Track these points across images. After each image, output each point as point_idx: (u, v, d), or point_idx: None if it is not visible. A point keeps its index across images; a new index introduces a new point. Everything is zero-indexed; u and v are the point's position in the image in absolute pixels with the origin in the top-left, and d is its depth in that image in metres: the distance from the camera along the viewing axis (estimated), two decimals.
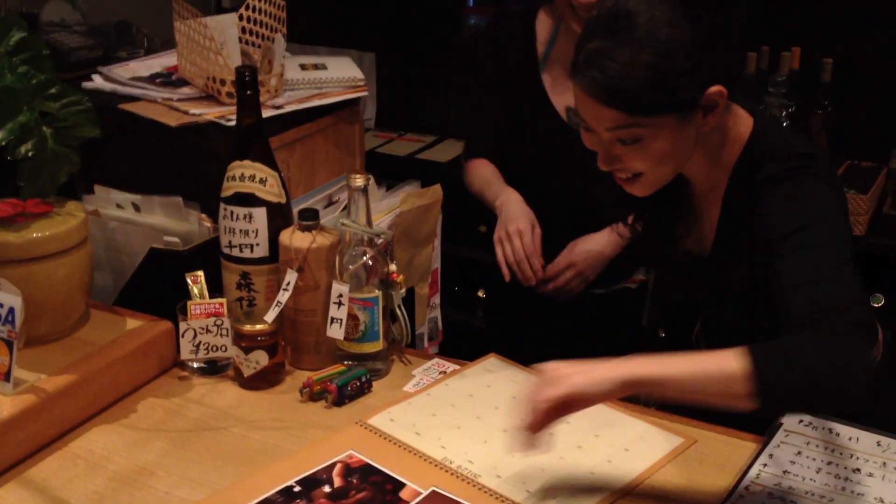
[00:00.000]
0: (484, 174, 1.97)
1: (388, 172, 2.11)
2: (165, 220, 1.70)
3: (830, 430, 1.34)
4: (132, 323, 1.51)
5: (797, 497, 1.20)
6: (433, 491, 1.22)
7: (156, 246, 1.63)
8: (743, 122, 1.35)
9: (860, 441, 1.32)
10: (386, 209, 1.82)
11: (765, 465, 1.27)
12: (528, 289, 1.86)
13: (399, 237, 1.83)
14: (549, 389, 1.13)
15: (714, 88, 1.24)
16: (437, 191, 1.85)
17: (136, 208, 1.73)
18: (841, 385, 1.11)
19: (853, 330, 1.12)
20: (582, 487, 1.23)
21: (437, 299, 2.01)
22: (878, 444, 1.31)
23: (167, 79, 1.87)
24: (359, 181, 1.43)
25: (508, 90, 1.92)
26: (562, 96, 1.86)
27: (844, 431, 1.33)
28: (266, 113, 1.66)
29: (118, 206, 1.75)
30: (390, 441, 1.33)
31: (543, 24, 1.90)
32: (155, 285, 1.63)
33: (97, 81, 1.87)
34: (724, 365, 1.10)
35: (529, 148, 1.94)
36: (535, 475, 1.26)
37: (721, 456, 1.31)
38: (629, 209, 1.51)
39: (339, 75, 1.90)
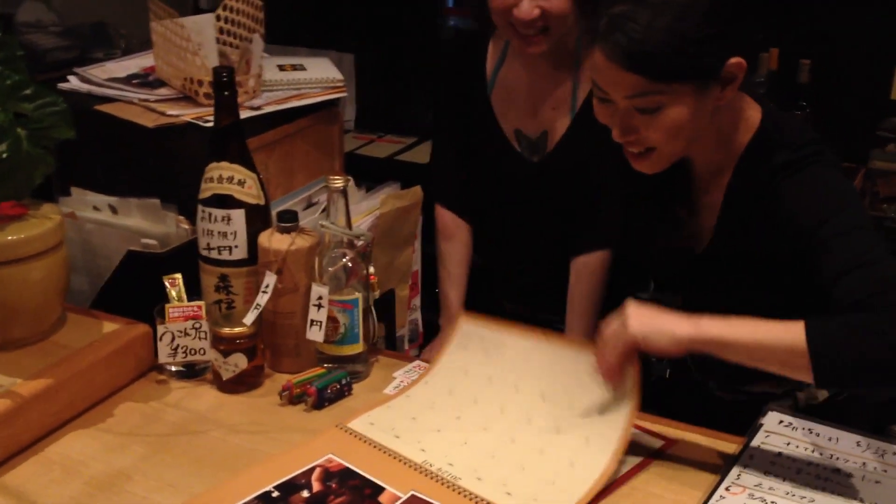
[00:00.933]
0: (443, 260, 1.89)
1: (368, 174, 2.10)
2: (143, 223, 1.68)
3: (811, 431, 1.34)
4: (109, 326, 1.50)
5: (777, 497, 1.20)
6: (412, 495, 1.21)
7: (133, 248, 1.61)
8: (754, 108, 1.36)
9: (840, 441, 1.32)
10: (366, 210, 1.82)
11: (745, 465, 1.27)
12: (505, 289, 1.83)
13: (379, 239, 1.82)
14: (617, 335, 1.22)
15: (734, 60, 1.25)
16: (416, 192, 1.85)
17: (113, 210, 1.71)
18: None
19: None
20: (563, 487, 1.23)
21: (417, 301, 2.01)
22: (858, 444, 1.31)
23: (144, 80, 1.86)
24: (338, 183, 1.42)
25: (461, 114, 1.84)
26: (509, 121, 1.76)
27: (824, 432, 1.33)
28: (244, 114, 1.65)
29: (95, 208, 1.73)
30: (370, 444, 1.32)
31: (496, 45, 1.80)
32: (132, 288, 1.61)
33: (73, 82, 1.85)
34: (787, 336, 1.16)
35: (484, 174, 1.84)
36: (516, 476, 1.25)
37: (702, 457, 1.30)
38: (631, 194, 1.51)
39: (318, 76, 1.89)
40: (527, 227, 1.80)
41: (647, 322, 1.22)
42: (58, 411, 1.34)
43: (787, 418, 1.36)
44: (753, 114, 1.35)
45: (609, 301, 1.74)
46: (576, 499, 1.21)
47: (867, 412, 1.53)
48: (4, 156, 1.29)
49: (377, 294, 1.52)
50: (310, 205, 1.81)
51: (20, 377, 1.33)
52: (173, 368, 1.49)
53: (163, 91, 1.79)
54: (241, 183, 1.48)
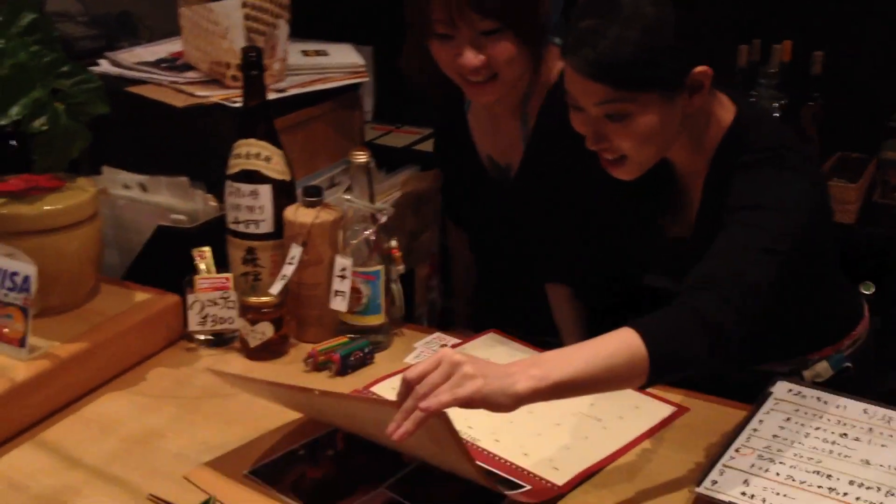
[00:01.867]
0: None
1: (387, 162, 2.15)
2: (172, 200, 1.74)
3: (818, 399, 1.38)
4: (141, 296, 1.55)
5: (785, 459, 1.25)
6: None
7: (163, 223, 1.67)
8: (726, 109, 1.40)
9: (847, 409, 1.36)
10: (387, 189, 1.87)
11: (755, 430, 1.31)
12: (518, 267, 1.85)
13: (400, 218, 1.87)
14: (455, 387, 1.06)
15: (700, 68, 1.30)
16: (437, 174, 1.90)
17: (143, 188, 1.77)
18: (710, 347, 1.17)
19: (723, 305, 1.18)
20: (578, 453, 1.28)
21: (435, 281, 2.05)
22: (865, 411, 1.36)
23: (172, 63, 1.91)
24: (361, 158, 1.48)
25: (443, 134, 1.84)
26: (483, 145, 1.72)
27: (832, 400, 1.38)
28: (269, 96, 1.69)
29: (125, 186, 1.79)
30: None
31: None
32: (161, 262, 1.67)
33: (104, 66, 1.91)
34: (624, 348, 1.14)
35: (463, 194, 1.81)
36: (532, 441, 1.30)
37: (712, 422, 1.35)
38: (614, 199, 1.55)
39: (341, 61, 1.95)
40: (506, 248, 1.79)
41: (490, 380, 1.07)
42: (93, 373, 1.40)
43: (797, 387, 1.40)
44: (726, 115, 1.39)
45: (600, 317, 1.72)
46: (589, 462, 1.25)
47: (872, 389, 1.56)
48: (44, 128, 1.36)
49: (401, 268, 1.57)
50: (332, 184, 1.87)
51: (58, 341, 1.39)
52: (202, 337, 1.54)
53: (191, 74, 1.84)
54: (267, 159, 1.53)
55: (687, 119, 1.35)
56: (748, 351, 1.24)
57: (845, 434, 1.30)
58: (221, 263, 1.58)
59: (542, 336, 1.64)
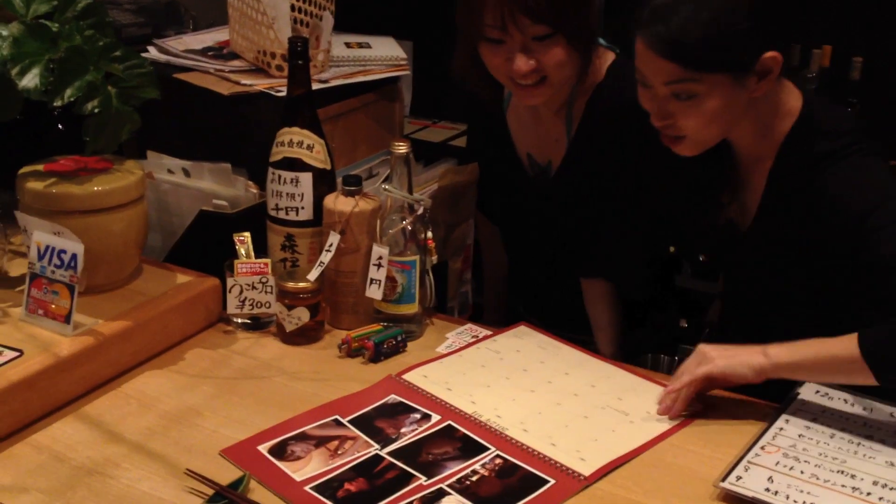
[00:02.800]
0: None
1: (424, 157, 2.17)
2: (214, 185, 1.78)
3: (846, 401, 1.39)
4: (182, 278, 1.59)
5: (810, 458, 1.26)
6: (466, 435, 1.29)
7: (205, 208, 1.71)
8: (794, 97, 1.41)
9: (874, 412, 1.37)
10: (424, 182, 1.90)
11: (781, 428, 1.33)
12: (552, 263, 1.87)
13: (436, 211, 1.90)
14: (695, 367, 1.34)
15: (770, 53, 1.31)
16: (475, 169, 1.92)
17: (186, 174, 1.81)
18: None
19: None
20: (605, 445, 1.30)
21: (468, 274, 2.08)
22: (892, 415, 1.37)
23: (219, 52, 1.95)
24: (402, 149, 1.50)
25: (480, 130, 1.85)
26: (522, 143, 1.74)
27: (859, 402, 1.39)
28: (313, 87, 1.73)
29: (169, 171, 1.83)
30: (423, 394, 1.40)
31: None
32: (202, 246, 1.71)
33: (152, 53, 1.95)
34: (844, 351, 1.26)
35: (499, 190, 1.84)
36: (560, 431, 1.32)
37: (739, 420, 1.37)
38: (668, 184, 1.56)
39: (383, 54, 1.97)
40: (539, 245, 1.81)
41: (726, 356, 1.34)
42: (135, 351, 1.44)
43: (824, 388, 1.41)
44: (794, 102, 1.40)
45: (635, 318, 1.78)
46: (615, 454, 1.28)
47: None
48: (96, 111, 1.40)
49: (435, 259, 1.59)
50: (371, 175, 1.90)
51: (101, 318, 1.43)
52: (239, 321, 1.58)
53: (236, 63, 1.88)
54: (309, 148, 1.57)
55: (753, 104, 1.36)
56: None
57: (871, 436, 1.32)
58: (261, 249, 1.61)
59: (572, 332, 1.66)
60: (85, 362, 1.36)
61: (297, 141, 1.56)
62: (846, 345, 1.27)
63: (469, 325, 1.63)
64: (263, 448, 1.26)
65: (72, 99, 1.38)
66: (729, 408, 1.40)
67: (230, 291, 1.53)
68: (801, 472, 1.23)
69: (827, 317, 1.47)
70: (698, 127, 1.35)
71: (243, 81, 1.79)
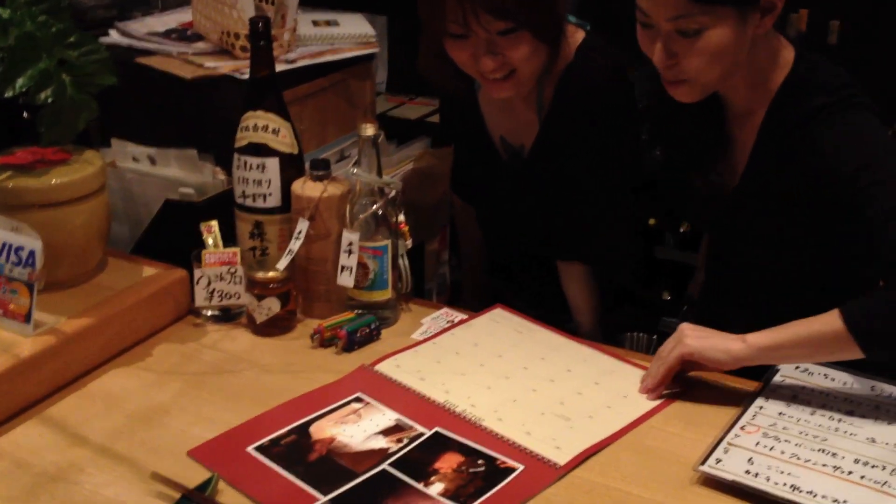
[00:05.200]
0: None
1: (400, 135, 2.13)
2: (180, 173, 1.74)
3: (826, 376, 1.37)
4: (148, 270, 1.55)
5: (791, 437, 1.24)
6: (436, 432, 1.26)
7: (171, 197, 1.67)
8: (788, 49, 1.38)
9: (854, 386, 1.35)
10: (397, 162, 1.86)
11: (760, 407, 1.31)
12: (529, 245, 1.84)
13: (411, 192, 1.86)
14: (671, 349, 1.33)
15: None
16: (450, 151, 1.88)
17: (152, 161, 1.77)
18: None
19: None
20: (580, 431, 1.27)
21: (445, 255, 2.04)
22: (872, 388, 1.35)
23: (182, 34, 1.90)
24: (369, 130, 1.46)
25: (453, 113, 1.81)
26: (495, 126, 1.70)
27: (839, 377, 1.37)
28: (279, 67, 1.68)
29: (134, 158, 1.79)
30: (396, 385, 1.37)
31: None
32: (170, 235, 1.67)
33: (114, 37, 1.90)
34: (828, 328, 1.23)
35: (473, 173, 1.79)
36: (535, 419, 1.29)
37: (719, 400, 1.34)
38: (663, 134, 1.52)
39: (351, 31, 1.92)
40: (515, 226, 1.78)
41: (702, 338, 1.31)
42: (100, 349, 1.41)
43: (803, 364, 1.39)
44: (787, 53, 1.38)
45: (615, 296, 1.75)
46: (593, 441, 1.25)
47: (886, 365, 1.55)
48: (50, 100, 1.35)
49: (409, 243, 1.56)
50: (342, 157, 1.86)
51: (64, 316, 1.39)
52: (209, 313, 1.54)
53: (200, 45, 1.83)
54: (275, 132, 1.52)
55: (753, 46, 1.32)
56: None
57: (852, 411, 1.30)
58: (230, 238, 1.58)
59: (551, 312, 1.64)
60: (47, 362, 1.32)
61: (262, 125, 1.52)
62: (829, 321, 1.24)
63: (445, 310, 1.60)
64: (251, 448, 1.23)
65: (23, 89, 1.33)
66: (709, 387, 1.37)
67: (198, 283, 1.50)
68: (782, 453, 1.21)
69: (810, 289, 1.44)
70: (702, 67, 1.31)
71: (207, 64, 1.74)
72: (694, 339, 1.32)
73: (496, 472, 1.18)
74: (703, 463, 1.19)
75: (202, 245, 1.52)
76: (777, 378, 1.37)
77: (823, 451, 1.22)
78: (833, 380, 1.37)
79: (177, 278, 1.53)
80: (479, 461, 1.20)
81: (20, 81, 1.33)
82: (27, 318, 1.34)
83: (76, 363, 1.37)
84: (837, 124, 1.31)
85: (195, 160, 1.72)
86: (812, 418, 1.28)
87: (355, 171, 1.48)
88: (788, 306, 1.32)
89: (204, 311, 1.54)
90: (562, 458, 1.21)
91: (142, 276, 1.53)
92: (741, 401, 1.33)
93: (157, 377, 1.40)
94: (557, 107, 1.60)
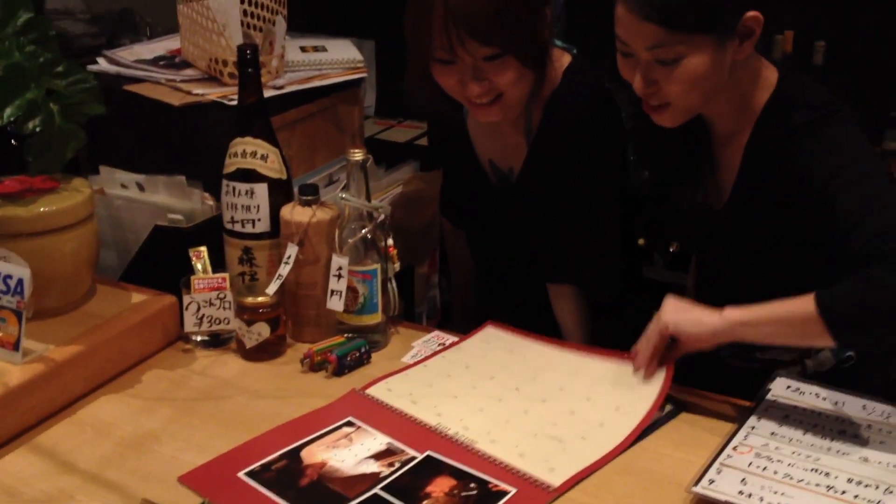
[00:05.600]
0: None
1: (389, 158, 2.14)
2: (169, 199, 1.74)
3: (817, 395, 1.37)
4: (137, 297, 1.55)
5: (783, 457, 1.24)
6: (428, 455, 1.25)
7: (160, 223, 1.66)
8: (771, 70, 1.40)
9: (846, 405, 1.35)
10: (386, 186, 1.86)
11: (753, 427, 1.31)
12: (519, 267, 1.84)
13: (400, 216, 1.87)
14: (651, 325, 1.35)
15: (751, 13, 1.30)
16: (439, 176, 1.89)
17: (141, 188, 1.77)
18: None
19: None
20: (573, 453, 1.27)
21: (436, 279, 2.05)
22: (864, 407, 1.35)
23: (170, 61, 1.91)
24: (357, 156, 1.47)
25: (441, 137, 1.81)
26: (484, 150, 1.69)
27: (831, 396, 1.37)
28: (267, 93, 1.69)
29: (123, 185, 1.79)
30: (388, 409, 1.36)
31: None
32: (159, 262, 1.66)
33: (102, 65, 1.91)
34: (800, 309, 1.23)
35: (462, 196, 1.79)
36: (528, 441, 1.29)
37: (711, 420, 1.34)
38: (649, 155, 1.54)
39: (339, 57, 1.94)
40: (504, 250, 1.77)
41: (679, 311, 1.33)
42: (89, 376, 1.40)
43: (795, 383, 1.39)
44: (770, 74, 1.39)
45: (605, 315, 1.74)
46: (586, 463, 1.25)
47: (875, 379, 1.56)
48: (38, 130, 1.35)
49: (397, 266, 1.56)
50: (331, 182, 1.86)
51: (53, 343, 1.38)
52: (198, 339, 1.54)
53: (188, 72, 1.84)
54: (263, 158, 1.53)
55: (734, 70, 1.34)
56: None
57: (844, 431, 1.30)
58: (219, 263, 1.57)
59: (542, 331, 1.63)
60: (36, 391, 1.31)
61: (250, 151, 1.52)
62: (803, 302, 1.24)
63: (436, 333, 1.59)
64: (242, 473, 1.22)
65: (12, 119, 1.33)
66: (700, 408, 1.37)
67: (187, 309, 1.49)
68: (775, 473, 1.21)
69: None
70: (682, 93, 1.32)
71: (195, 91, 1.74)
72: (672, 312, 1.34)
73: (488, 496, 1.18)
74: (696, 484, 1.18)
75: (191, 271, 1.52)
76: (769, 398, 1.37)
77: (816, 470, 1.21)
78: (825, 399, 1.37)
79: (165, 305, 1.52)
80: (472, 484, 1.20)
81: (8, 111, 1.33)
82: (16, 346, 1.33)
83: (66, 391, 1.36)
84: (817, 139, 1.33)
85: (184, 186, 1.72)
86: (804, 438, 1.28)
87: (343, 195, 1.48)
88: None
89: (193, 337, 1.54)
90: (556, 480, 1.21)
91: (130, 303, 1.53)
92: (733, 421, 1.33)
93: (147, 404, 1.39)
94: (545, 130, 1.60)
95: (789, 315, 1.25)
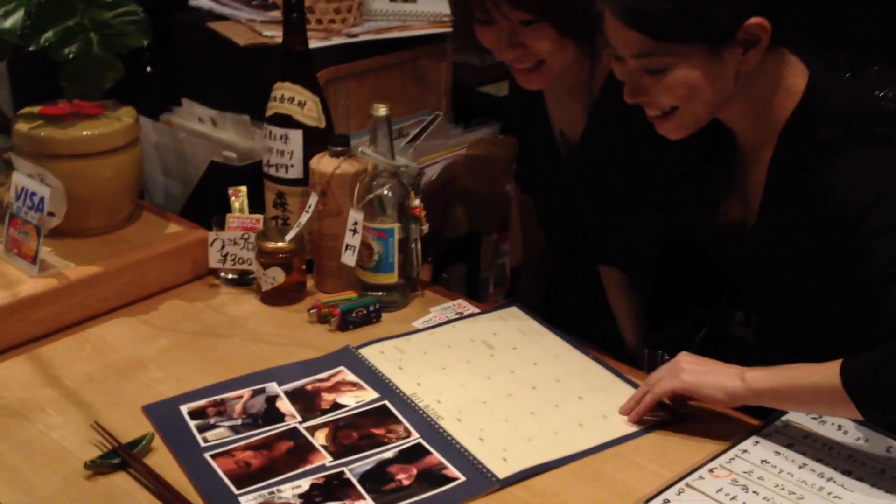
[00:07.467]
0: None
1: (482, 112, 2.07)
2: (234, 136, 1.77)
3: (839, 427, 1.22)
4: (174, 228, 1.59)
5: (761, 489, 1.11)
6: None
7: (215, 160, 1.70)
8: (798, 74, 1.23)
9: (868, 443, 1.19)
10: (454, 146, 1.81)
11: (745, 451, 1.18)
12: (574, 245, 1.74)
13: (465, 179, 1.81)
14: (663, 378, 1.22)
15: (755, 20, 1.15)
16: (510, 141, 1.82)
17: (214, 123, 1.81)
18: None
19: None
20: (537, 447, 1.19)
21: (506, 246, 1.98)
22: (888, 449, 1.18)
23: (264, 1, 1.93)
24: (381, 111, 1.43)
25: (519, 103, 1.72)
26: (556, 119, 1.63)
27: (854, 431, 1.21)
28: (338, 40, 1.68)
29: (200, 119, 1.83)
30: (372, 371, 1.33)
31: None
32: (214, 196, 1.70)
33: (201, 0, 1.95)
34: (826, 380, 1.10)
35: (534, 165, 1.73)
36: (494, 426, 1.23)
37: (706, 435, 1.22)
38: (674, 164, 1.42)
39: (427, 9, 1.89)
40: (569, 224, 1.70)
41: (700, 373, 1.20)
42: (106, 297, 1.45)
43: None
44: (797, 80, 1.22)
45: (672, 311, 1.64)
46: (545, 458, 1.17)
47: None
48: (72, 56, 1.40)
49: (426, 228, 1.51)
50: (399, 136, 1.83)
51: (75, 262, 1.44)
52: (229, 276, 1.56)
53: (274, 13, 1.85)
54: (301, 104, 1.51)
55: (745, 80, 1.20)
56: None
57: (849, 472, 1.14)
58: (260, 205, 1.59)
59: (603, 320, 1.56)
60: (46, 305, 1.38)
61: (288, 97, 1.51)
62: (828, 373, 1.10)
63: (459, 301, 1.54)
64: (184, 409, 1.24)
65: (47, 44, 1.38)
66: (703, 419, 1.25)
67: (212, 245, 1.52)
68: None
69: (836, 323, 1.29)
70: (679, 101, 1.20)
71: (265, 33, 1.75)
72: (691, 374, 1.20)
73: (434, 479, 1.13)
74: (647, 502, 1.08)
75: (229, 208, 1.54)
76: (783, 419, 1.23)
77: None
78: (846, 433, 1.21)
79: (197, 238, 1.55)
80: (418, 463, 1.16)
81: (45, 36, 1.38)
82: (34, 259, 1.40)
83: (77, 308, 1.41)
84: (841, 161, 1.16)
85: (248, 125, 1.74)
86: (798, 472, 1.14)
87: (364, 149, 1.45)
88: (815, 345, 1.18)
89: (222, 274, 1.56)
90: (503, 472, 1.14)
91: (164, 233, 1.57)
92: (731, 438, 1.20)
93: (152, 331, 1.42)
94: (603, 104, 1.51)
95: (814, 386, 1.12)
